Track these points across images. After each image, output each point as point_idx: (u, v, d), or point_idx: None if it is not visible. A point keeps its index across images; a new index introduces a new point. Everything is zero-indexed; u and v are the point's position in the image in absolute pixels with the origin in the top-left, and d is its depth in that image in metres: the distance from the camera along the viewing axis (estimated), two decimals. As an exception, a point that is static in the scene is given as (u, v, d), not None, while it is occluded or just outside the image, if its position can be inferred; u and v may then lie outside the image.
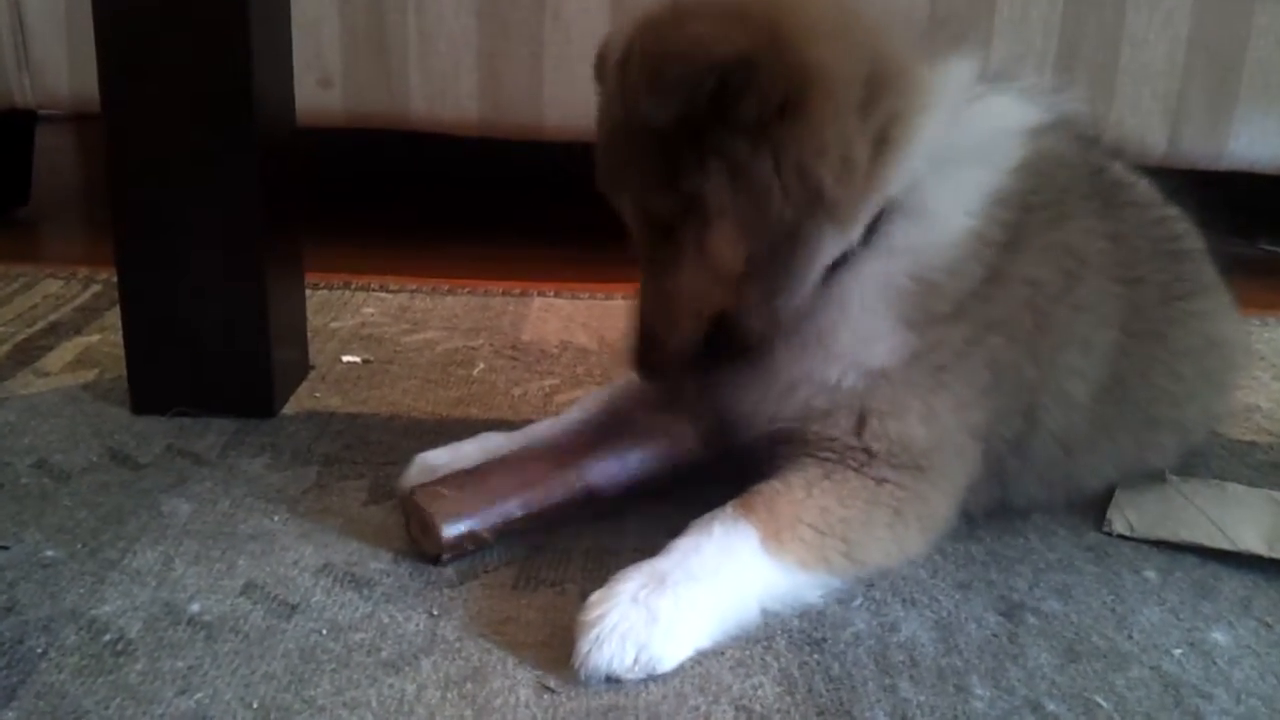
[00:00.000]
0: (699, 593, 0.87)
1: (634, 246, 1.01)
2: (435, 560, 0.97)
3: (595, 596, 0.86)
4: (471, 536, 0.97)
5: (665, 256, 0.97)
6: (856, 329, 0.97)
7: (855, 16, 0.95)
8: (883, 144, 0.92)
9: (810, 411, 0.99)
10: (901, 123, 0.93)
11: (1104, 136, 1.24)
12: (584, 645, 0.83)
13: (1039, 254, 1.00)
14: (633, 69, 0.90)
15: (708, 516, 0.93)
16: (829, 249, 0.94)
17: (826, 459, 0.98)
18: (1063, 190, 1.03)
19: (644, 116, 0.89)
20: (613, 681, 0.82)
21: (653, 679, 0.83)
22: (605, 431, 1.07)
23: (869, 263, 0.96)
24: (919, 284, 0.96)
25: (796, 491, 0.95)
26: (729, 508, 0.93)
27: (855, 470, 0.97)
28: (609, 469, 1.03)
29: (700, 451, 1.06)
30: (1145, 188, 1.18)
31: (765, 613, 0.91)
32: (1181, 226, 1.18)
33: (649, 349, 1.01)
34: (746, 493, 0.95)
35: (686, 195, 0.92)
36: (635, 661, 0.82)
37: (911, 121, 0.93)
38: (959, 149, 0.97)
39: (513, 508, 0.99)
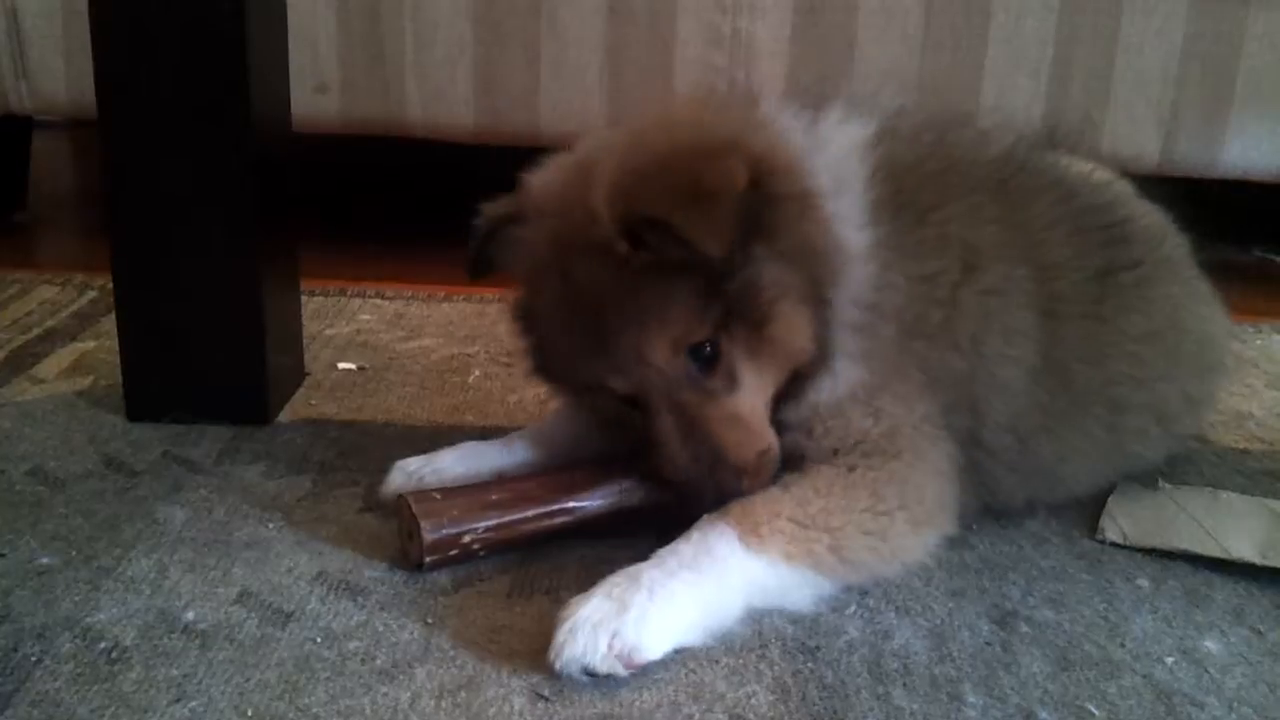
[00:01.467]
0: (675, 586, 0.88)
1: (647, 414, 0.99)
2: (419, 566, 0.97)
3: (574, 598, 0.87)
4: (455, 544, 0.97)
5: (720, 382, 0.96)
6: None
7: (734, 119, 1.03)
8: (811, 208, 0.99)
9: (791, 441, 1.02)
10: (809, 187, 0.99)
11: (1026, 129, 1.24)
12: (558, 637, 0.84)
13: (920, 250, 1.02)
14: (668, 219, 0.89)
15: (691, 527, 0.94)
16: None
17: (799, 463, 1.00)
18: (921, 188, 1.05)
19: (699, 257, 0.89)
20: (591, 674, 0.83)
21: (646, 687, 0.83)
22: (609, 461, 1.06)
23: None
24: (857, 307, 1.00)
25: (772, 491, 0.97)
26: (705, 516, 0.95)
27: (826, 465, 0.99)
28: (610, 501, 1.03)
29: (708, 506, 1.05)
30: (1077, 175, 1.19)
31: (753, 610, 0.91)
32: (1123, 212, 1.18)
33: (733, 477, 0.96)
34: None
35: (733, 297, 0.93)
36: (610, 649, 0.83)
37: (809, 177, 1.00)
38: (828, 179, 1.01)
39: (501, 522, 0.99)
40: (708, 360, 0.95)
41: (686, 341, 0.95)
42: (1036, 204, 1.11)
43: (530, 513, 1.00)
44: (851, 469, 0.98)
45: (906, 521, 0.99)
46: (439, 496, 0.98)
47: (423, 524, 0.95)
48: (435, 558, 0.96)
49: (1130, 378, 1.13)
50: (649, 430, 0.98)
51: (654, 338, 0.94)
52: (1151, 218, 1.22)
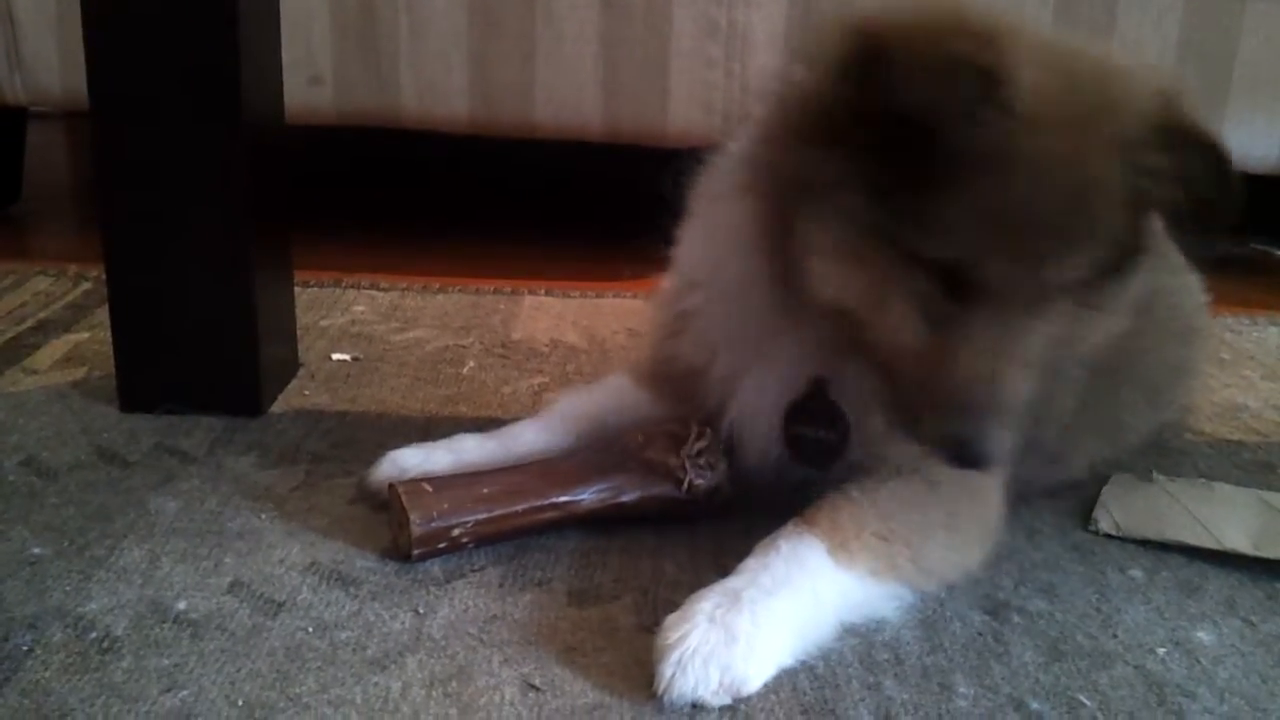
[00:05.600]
0: (775, 607, 0.85)
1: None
2: (407, 557, 0.97)
3: (671, 619, 0.84)
4: (444, 536, 0.97)
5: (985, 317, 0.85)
6: None
7: None
8: None
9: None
10: None
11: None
12: (666, 670, 0.80)
13: None
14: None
15: (771, 536, 0.92)
16: None
17: (881, 471, 0.97)
18: None
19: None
20: (695, 706, 0.80)
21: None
22: (603, 455, 1.05)
23: None
24: None
25: (857, 502, 0.94)
26: (791, 524, 0.92)
27: (910, 476, 0.97)
28: (601, 497, 1.02)
29: (702, 502, 1.04)
30: None
31: (844, 626, 0.89)
32: None
33: (994, 425, 0.85)
34: (808, 509, 0.94)
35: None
36: (720, 685, 0.80)
37: None
38: None
39: (491, 516, 0.98)
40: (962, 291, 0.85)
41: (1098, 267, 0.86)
42: None
43: (521, 506, 0.99)
44: (935, 484, 0.96)
45: (977, 534, 0.98)
46: (430, 488, 0.98)
47: (412, 516, 0.95)
48: (424, 550, 0.96)
49: (1123, 349, 1.12)
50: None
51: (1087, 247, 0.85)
52: None
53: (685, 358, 1.08)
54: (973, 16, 0.82)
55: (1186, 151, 0.84)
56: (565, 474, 1.03)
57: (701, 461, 1.03)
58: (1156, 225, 0.92)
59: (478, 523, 0.98)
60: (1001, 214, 0.81)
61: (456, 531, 0.97)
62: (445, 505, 0.97)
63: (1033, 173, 0.81)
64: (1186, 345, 1.27)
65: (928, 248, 0.83)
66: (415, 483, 0.99)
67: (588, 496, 1.02)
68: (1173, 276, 1.22)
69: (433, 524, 0.96)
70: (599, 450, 1.07)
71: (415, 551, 0.96)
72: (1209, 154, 0.84)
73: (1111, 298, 0.90)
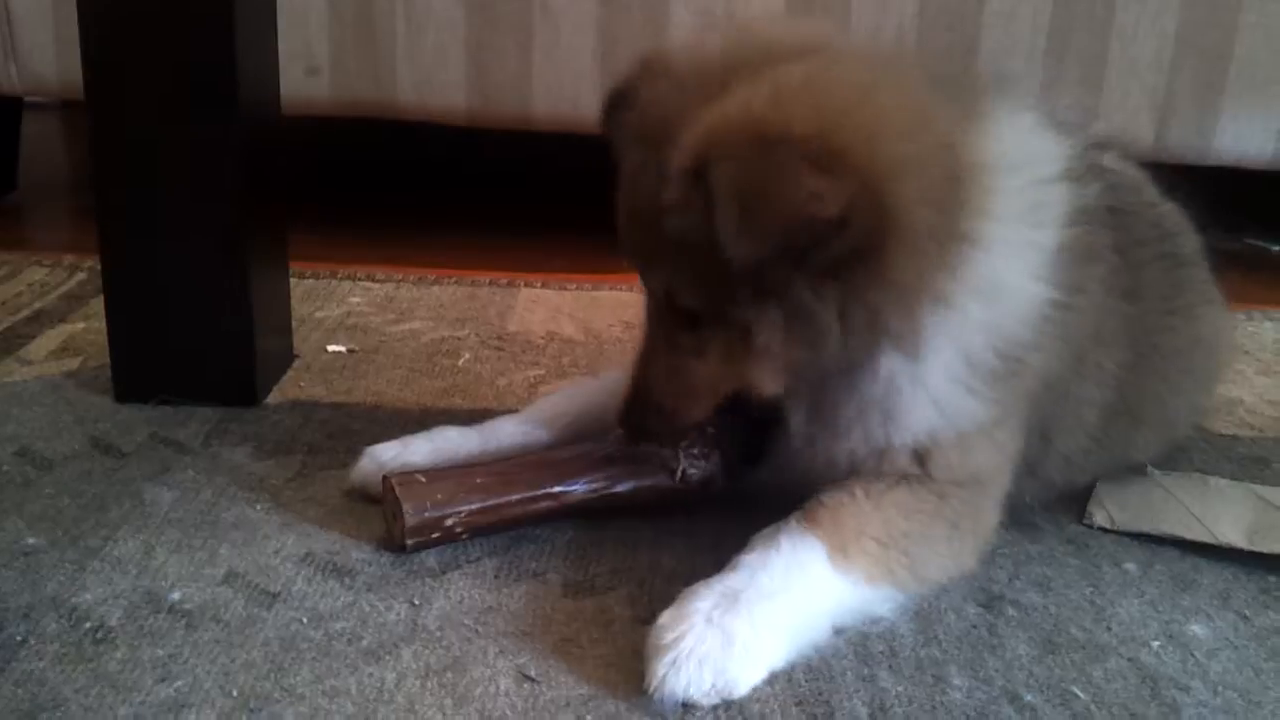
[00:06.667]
0: (772, 611, 0.85)
1: (649, 312, 0.97)
2: (402, 548, 0.97)
3: (666, 617, 0.83)
4: (438, 527, 0.97)
5: (688, 343, 0.92)
6: (934, 401, 0.94)
7: (929, 118, 0.87)
8: (958, 257, 0.87)
9: (865, 463, 0.97)
10: (977, 227, 0.87)
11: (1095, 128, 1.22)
12: (659, 669, 0.80)
13: (1084, 304, 0.98)
14: (718, 194, 0.79)
15: (771, 529, 0.91)
16: (888, 365, 0.91)
17: (888, 475, 0.97)
18: (1096, 234, 0.99)
19: (721, 248, 0.80)
20: (686, 706, 0.80)
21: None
22: (597, 446, 1.05)
23: (945, 342, 0.91)
24: (1001, 358, 0.94)
25: (861, 504, 0.94)
26: (793, 521, 0.92)
27: (917, 484, 0.96)
28: (595, 487, 1.02)
29: (696, 491, 1.04)
30: (1139, 182, 1.17)
31: (836, 630, 0.89)
32: (1173, 223, 1.17)
33: (652, 419, 0.97)
34: (809, 504, 0.94)
35: (728, 317, 0.87)
36: (712, 687, 0.80)
37: (985, 215, 0.88)
38: (1019, 213, 0.92)
39: (485, 506, 0.98)
40: (690, 319, 0.90)
41: (678, 299, 0.90)
42: (1130, 228, 1.08)
43: (515, 496, 0.99)
44: (942, 496, 0.96)
45: (973, 544, 0.98)
46: (423, 479, 0.98)
47: (405, 506, 0.95)
48: (418, 540, 0.96)
49: (1156, 397, 1.14)
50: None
51: (654, 268, 0.92)
52: (1179, 222, 1.19)
53: None
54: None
55: (701, 178, 0.81)
56: (560, 465, 1.03)
57: (695, 451, 1.03)
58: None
59: (471, 513, 0.98)
60: (620, 223, 0.94)
61: (450, 521, 0.97)
62: (439, 495, 0.97)
63: (622, 185, 0.93)
64: (1210, 389, 1.29)
65: None
66: (409, 474, 0.99)
67: (581, 487, 1.01)
68: (1218, 315, 1.24)
69: (426, 514, 0.96)
70: (593, 441, 1.06)
71: (409, 542, 0.96)
72: (703, 179, 0.80)
73: (746, 337, 0.87)
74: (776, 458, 1.01)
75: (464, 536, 0.99)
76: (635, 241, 0.93)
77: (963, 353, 0.92)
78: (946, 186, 0.85)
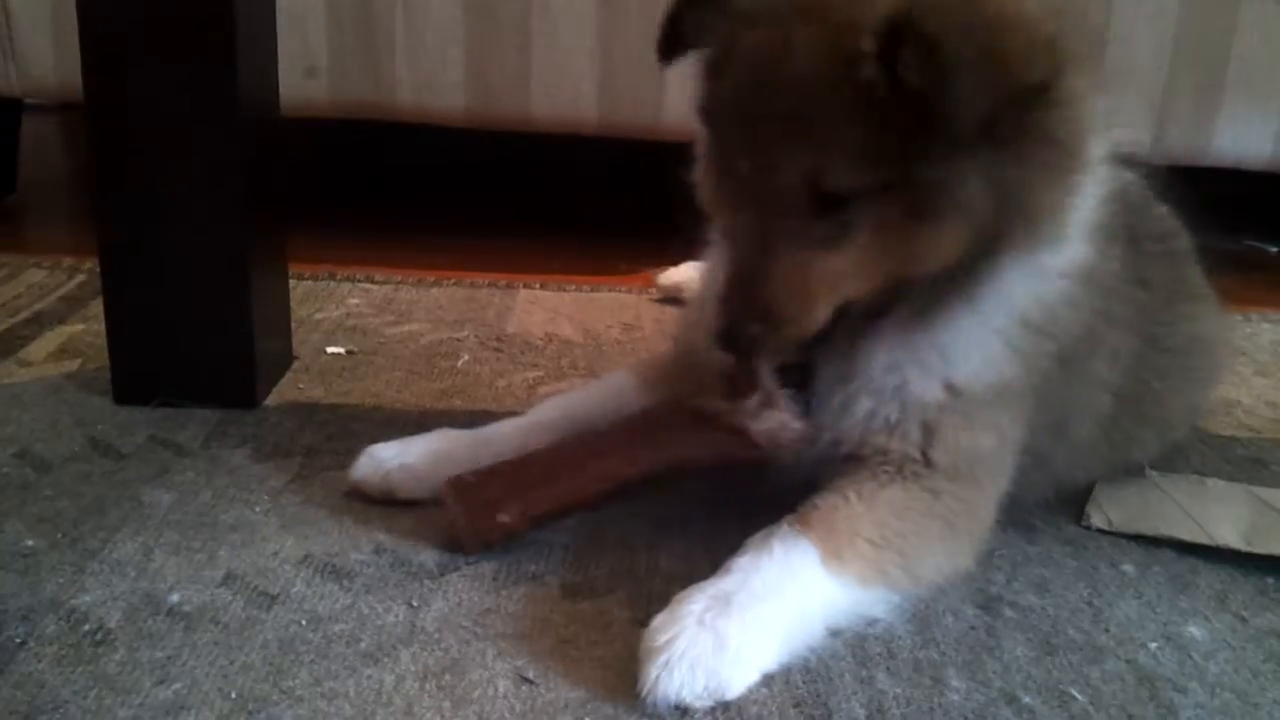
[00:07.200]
0: (764, 614, 0.85)
1: (753, 211, 0.91)
2: (472, 551, 0.97)
3: (659, 620, 0.83)
4: (494, 525, 0.96)
5: (821, 231, 0.87)
6: (970, 349, 0.95)
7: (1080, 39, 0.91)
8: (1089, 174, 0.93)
9: (879, 423, 0.97)
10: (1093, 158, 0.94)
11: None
12: (652, 671, 0.80)
13: (1106, 277, 1.00)
14: (947, 50, 0.78)
15: (765, 533, 0.91)
16: (1008, 270, 0.92)
17: (883, 472, 0.97)
18: (1118, 218, 1.01)
19: (938, 102, 0.79)
20: (678, 709, 0.80)
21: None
22: (653, 416, 1.04)
23: (1000, 289, 0.93)
24: (1044, 313, 0.96)
25: (854, 505, 0.94)
26: (785, 524, 0.92)
27: (912, 482, 0.96)
28: (660, 456, 1.00)
29: (764, 450, 1.00)
30: (1140, 183, 1.18)
31: (832, 631, 0.89)
32: (1171, 224, 1.19)
33: (757, 328, 0.90)
34: (802, 507, 0.94)
35: (903, 180, 0.84)
36: (704, 689, 0.80)
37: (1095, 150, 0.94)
38: (1095, 171, 0.95)
39: (543, 495, 0.98)
40: (831, 203, 0.86)
41: (826, 179, 0.85)
42: (1139, 221, 1.10)
43: (570, 482, 0.99)
44: (936, 495, 0.96)
45: (969, 543, 0.98)
46: (473, 479, 0.98)
47: (458, 510, 0.96)
48: (477, 541, 0.97)
49: (1156, 395, 1.14)
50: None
51: (797, 155, 0.86)
52: (1174, 223, 1.21)
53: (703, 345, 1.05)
54: None
55: (908, 47, 0.80)
56: (613, 440, 1.02)
57: (765, 399, 0.99)
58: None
59: (529, 505, 0.97)
60: (729, 112, 0.90)
61: (506, 519, 0.96)
62: (493, 494, 0.97)
63: (741, 70, 0.88)
64: (1208, 389, 1.30)
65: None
66: (460, 477, 0.98)
67: (648, 456, 1.00)
68: (1215, 323, 1.25)
69: (482, 515, 0.96)
70: (647, 414, 1.05)
71: (472, 545, 0.96)
72: (924, 47, 0.79)
73: (929, 201, 0.86)
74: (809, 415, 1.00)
75: (527, 530, 0.98)
76: (765, 126, 0.87)
77: (1011, 299, 0.94)
78: (1093, 103, 0.92)
